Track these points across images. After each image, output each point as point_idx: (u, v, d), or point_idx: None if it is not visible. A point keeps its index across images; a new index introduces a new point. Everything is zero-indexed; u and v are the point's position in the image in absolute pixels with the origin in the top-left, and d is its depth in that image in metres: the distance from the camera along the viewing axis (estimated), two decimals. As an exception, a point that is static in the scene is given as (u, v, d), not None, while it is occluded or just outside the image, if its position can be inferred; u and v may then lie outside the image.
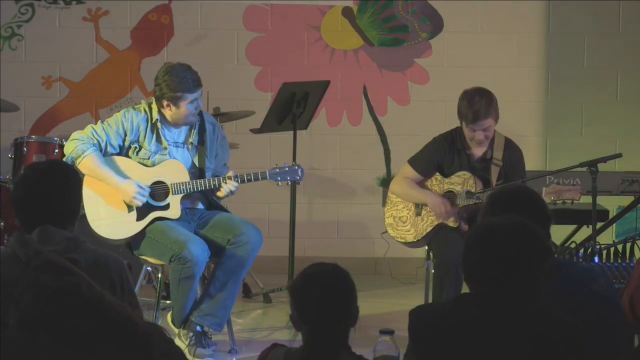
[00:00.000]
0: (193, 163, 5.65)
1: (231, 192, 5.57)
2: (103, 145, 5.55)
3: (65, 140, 6.50)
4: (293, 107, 6.54)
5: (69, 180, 3.56)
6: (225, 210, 5.75)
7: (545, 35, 7.60)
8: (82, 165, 5.51)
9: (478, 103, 5.66)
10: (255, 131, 6.71)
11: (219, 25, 7.54)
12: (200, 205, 5.71)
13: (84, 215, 5.60)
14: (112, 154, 5.59)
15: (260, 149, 7.46)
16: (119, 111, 5.66)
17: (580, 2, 7.56)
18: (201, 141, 5.66)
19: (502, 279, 2.95)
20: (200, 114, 5.69)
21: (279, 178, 5.67)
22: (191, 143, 5.64)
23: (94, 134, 5.55)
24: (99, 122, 5.61)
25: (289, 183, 5.96)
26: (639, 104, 7.62)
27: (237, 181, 5.54)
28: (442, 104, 7.56)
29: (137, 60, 7.55)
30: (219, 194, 5.58)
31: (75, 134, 5.59)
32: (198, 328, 5.41)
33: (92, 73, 7.54)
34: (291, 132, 6.62)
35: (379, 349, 3.30)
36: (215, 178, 5.55)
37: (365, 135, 7.61)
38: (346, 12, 7.58)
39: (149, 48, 7.55)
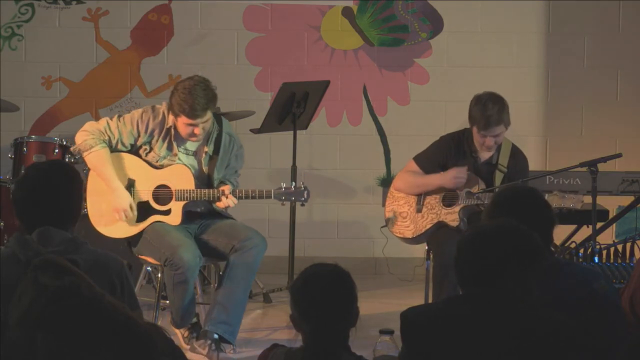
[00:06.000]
0: (202, 171, 5.62)
1: (229, 207, 5.56)
2: (114, 142, 5.54)
3: (66, 141, 6.53)
4: (293, 107, 6.54)
5: (70, 180, 3.56)
6: (228, 217, 5.73)
7: (545, 35, 7.60)
8: (88, 160, 5.52)
9: (491, 109, 5.64)
10: (255, 131, 6.71)
11: (219, 25, 7.54)
12: (201, 210, 5.69)
13: (86, 214, 5.61)
14: (122, 152, 5.59)
15: (260, 149, 7.46)
16: (139, 108, 5.64)
17: (580, 2, 7.56)
18: (216, 151, 5.63)
19: (492, 281, 2.97)
20: (220, 122, 5.65)
21: (284, 198, 5.61)
22: (206, 152, 5.61)
23: (107, 129, 5.53)
24: (116, 117, 5.57)
25: (294, 203, 5.89)
26: (639, 104, 7.62)
27: (240, 198, 5.52)
28: (442, 104, 7.56)
29: (137, 60, 7.54)
30: (218, 204, 5.56)
31: (88, 125, 5.57)
32: (215, 336, 5.40)
33: (92, 73, 7.54)
34: (291, 132, 6.62)
35: (379, 349, 3.31)
36: (218, 190, 5.51)
37: (365, 135, 7.61)
38: (346, 12, 7.58)
39: (149, 48, 7.54)
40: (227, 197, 5.48)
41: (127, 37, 7.53)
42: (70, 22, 7.49)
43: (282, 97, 6.50)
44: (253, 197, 5.53)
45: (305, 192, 5.62)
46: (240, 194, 5.53)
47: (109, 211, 5.54)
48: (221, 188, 5.52)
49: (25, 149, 6.49)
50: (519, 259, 3.00)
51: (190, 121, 5.40)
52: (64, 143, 6.52)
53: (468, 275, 3.03)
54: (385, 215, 6.06)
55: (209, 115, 5.43)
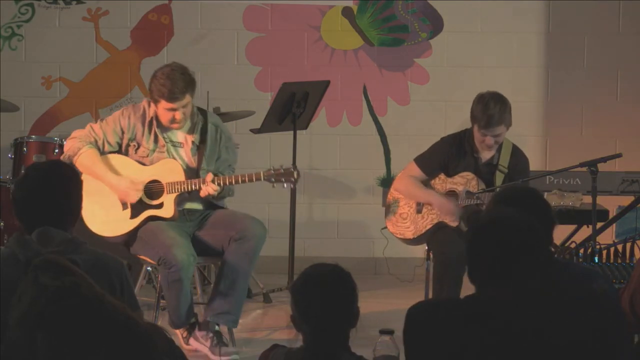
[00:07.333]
0: (191, 162, 5.63)
1: (211, 195, 5.52)
2: (100, 143, 5.58)
3: (65, 140, 6.53)
4: (293, 107, 6.54)
5: (70, 180, 3.56)
6: (225, 208, 5.74)
7: (545, 35, 7.60)
8: (79, 163, 5.56)
9: (493, 109, 5.64)
10: (255, 131, 6.71)
11: (219, 25, 7.54)
12: (199, 206, 5.70)
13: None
14: (111, 152, 5.61)
15: (260, 149, 7.46)
16: (119, 109, 5.70)
17: (580, 2, 7.56)
18: (202, 140, 5.65)
19: (504, 273, 2.96)
20: (205, 114, 5.68)
21: (274, 180, 5.57)
22: (193, 142, 5.64)
23: (92, 131, 5.60)
24: (98, 120, 5.67)
25: (285, 186, 5.87)
26: (639, 104, 7.62)
27: (220, 185, 5.47)
28: (442, 104, 7.56)
29: (137, 60, 7.54)
30: (200, 193, 5.55)
31: (74, 132, 5.67)
32: (216, 327, 5.42)
33: (92, 73, 7.54)
34: (291, 132, 6.62)
35: (379, 349, 3.30)
36: (204, 179, 5.49)
37: (365, 135, 7.61)
38: (346, 12, 7.58)
39: (149, 48, 7.54)
40: (207, 185, 5.46)
41: (127, 37, 7.53)
42: (70, 22, 7.49)
43: (282, 97, 6.50)
44: (243, 182, 5.50)
45: (295, 173, 5.55)
46: (230, 180, 5.51)
47: (102, 211, 5.56)
48: (205, 177, 5.50)
49: (25, 149, 6.49)
50: (529, 246, 3.00)
51: (170, 105, 5.44)
52: (64, 143, 6.52)
53: (480, 264, 3.01)
54: (385, 217, 6.06)
55: (188, 99, 5.48)
